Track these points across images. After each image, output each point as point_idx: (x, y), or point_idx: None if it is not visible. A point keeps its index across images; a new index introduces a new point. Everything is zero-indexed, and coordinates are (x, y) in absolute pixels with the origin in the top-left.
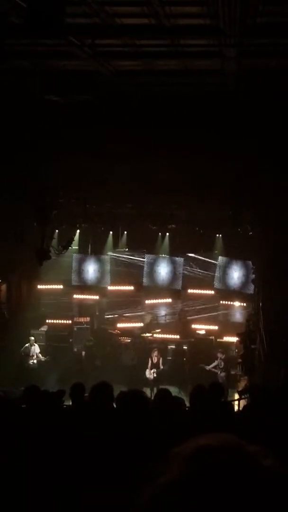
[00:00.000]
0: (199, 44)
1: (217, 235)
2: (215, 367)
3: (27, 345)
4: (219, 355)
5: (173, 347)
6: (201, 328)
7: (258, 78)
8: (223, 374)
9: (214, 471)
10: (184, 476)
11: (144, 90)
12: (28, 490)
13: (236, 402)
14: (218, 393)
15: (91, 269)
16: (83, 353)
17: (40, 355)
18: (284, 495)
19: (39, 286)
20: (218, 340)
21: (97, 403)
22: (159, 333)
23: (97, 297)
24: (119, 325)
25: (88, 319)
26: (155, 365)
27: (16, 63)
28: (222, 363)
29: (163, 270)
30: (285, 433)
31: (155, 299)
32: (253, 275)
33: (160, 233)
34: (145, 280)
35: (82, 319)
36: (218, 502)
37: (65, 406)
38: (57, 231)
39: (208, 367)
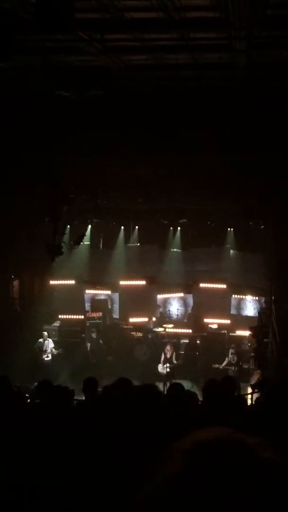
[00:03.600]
0: (208, 37)
1: (229, 229)
2: (228, 363)
3: (40, 340)
4: (231, 350)
5: (186, 341)
6: (213, 322)
7: (268, 71)
8: (236, 369)
9: (212, 464)
10: (183, 470)
11: (154, 85)
12: (37, 483)
13: (249, 396)
14: (231, 387)
15: None
16: (89, 345)
17: (53, 349)
18: (283, 486)
19: (51, 282)
20: (230, 334)
21: (112, 397)
22: (171, 327)
23: (109, 292)
24: (131, 319)
25: (100, 314)
26: (168, 360)
27: (25, 59)
28: (236, 358)
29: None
30: None
31: (167, 293)
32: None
33: (171, 228)
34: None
35: (94, 314)
36: (217, 496)
37: (76, 402)
38: (68, 226)
39: (221, 366)
